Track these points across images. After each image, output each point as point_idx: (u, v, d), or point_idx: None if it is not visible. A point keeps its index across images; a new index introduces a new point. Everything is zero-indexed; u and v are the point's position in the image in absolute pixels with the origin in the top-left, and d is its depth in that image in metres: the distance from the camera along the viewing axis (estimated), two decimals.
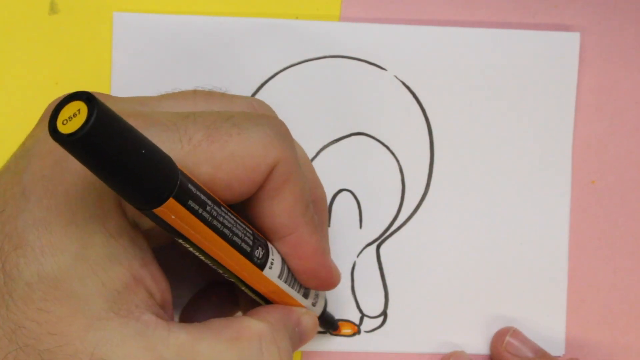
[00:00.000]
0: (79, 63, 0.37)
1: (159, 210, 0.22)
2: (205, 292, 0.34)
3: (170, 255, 0.30)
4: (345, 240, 0.38)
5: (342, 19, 0.38)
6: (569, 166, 0.38)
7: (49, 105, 0.26)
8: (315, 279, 0.30)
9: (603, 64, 0.39)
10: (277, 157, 0.26)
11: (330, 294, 0.37)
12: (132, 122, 0.22)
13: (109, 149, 0.20)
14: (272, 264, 0.28)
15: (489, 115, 0.38)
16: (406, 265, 0.38)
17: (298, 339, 0.30)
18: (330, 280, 0.31)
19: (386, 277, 0.38)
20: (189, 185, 0.23)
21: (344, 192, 0.38)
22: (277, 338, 0.27)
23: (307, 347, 0.37)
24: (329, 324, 0.36)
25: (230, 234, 0.26)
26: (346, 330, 0.37)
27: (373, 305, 0.38)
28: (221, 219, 0.25)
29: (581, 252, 0.38)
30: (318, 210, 0.31)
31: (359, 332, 0.38)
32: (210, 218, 0.24)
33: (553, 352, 0.37)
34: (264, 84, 0.37)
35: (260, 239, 0.28)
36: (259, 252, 0.27)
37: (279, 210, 0.27)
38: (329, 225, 0.38)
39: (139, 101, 0.27)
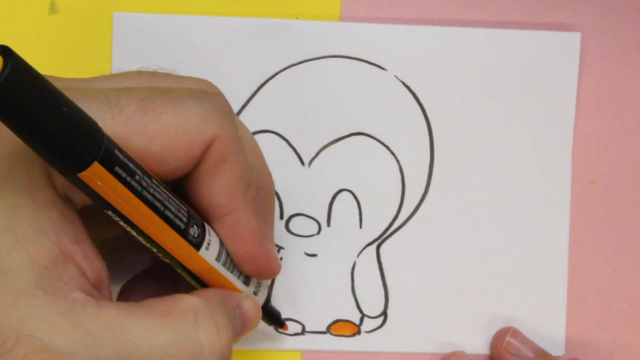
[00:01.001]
0: (79, 63, 0.37)
1: (84, 175, 0.22)
2: (143, 275, 0.33)
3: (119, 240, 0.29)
4: (345, 240, 0.38)
5: (342, 19, 0.38)
6: (569, 166, 0.38)
7: None
8: (253, 264, 0.29)
9: (603, 64, 0.39)
10: (214, 132, 0.26)
11: (330, 294, 0.37)
12: (65, 94, 0.21)
13: (26, 102, 0.20)
14: (209, 244, 0.27)
15: (489, 115, 0.38)
16: (406, 265, 0.38)
17: (240, 323, 0.29)
18: (268, 267, 0.30)
19: (386, 277, 0.38)
20: (116, 152, 0.23)
21: (344, 192, 0.38)
22: (213, 312, 0.26)
23: (308, 347, 0.37)
24: (273, 319, 0.35)
25: (162, 208, 0.25)
26: (288, 330, 0.37)
27: (373, 305, 0.38)
28: (152, 190, 0.24)
29: (581, 252, 0.38)
30: (263, 196, 0.30)
31: (359, 332, 0.38)
32: (139, 188, 0.24)
33: (553, 352, 0.37)
34: (264, 84, 0.37)
35: (196, 218, 0.27)
36: (194, 231, 0.26)
37: (216, 188, 0.27)
38: (328, 225, 0.38)
39: (80, 80, 0.27)
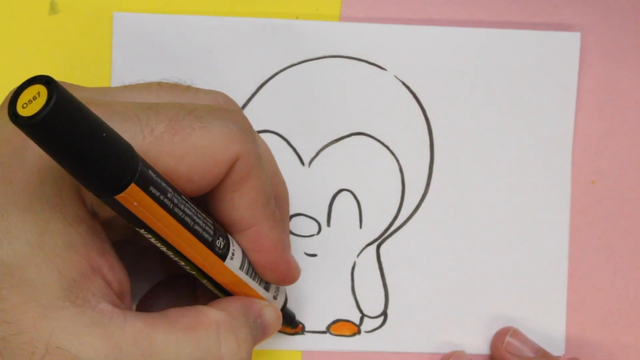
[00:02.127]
0: (79, 63, 0.37)
1: (121, 197, 0.22)
2: (163, 284, 0.33)
3: (130, 248, 0.30)
4: (345, 240, 0.38)
5: (342, 19, 0.38)
6: (569, 166, 0.38)
7: (9, 93, 0.26)
8: (275, 273, 0.30)
9: (603, 64, 0.39)
10: (238, 151, 0.26)
11: (330, 294, 0.37)
12: (94, 110, 0.22)
13: (68, 132, 0.20)
14: (233, 254, 0.28)
15: (489, 115, 0.38)
16: (406, 265, 0.38)
17: (260, 331, 0.30)
18: (289, 274, 0.31)
19: (386, 277, 0.38)
20: (150, 172, 0.23)
21: (344, 192, 0.38)
22: (235, 327, 0.27)
23: (308, 347, 0.37)
24: (288, 321, 0.35)
25: (192, 223, 0.25)
26: (288, 331, 0.37)
27: (373, 305, 0.38)
28: (182, 207, 0.25)
29: (581, 252, 0.38)
30: (279, 205, 0.31)
31: (359, 332, 0.38)
32: (171, 205, 0.24)
33: (553, 352, 0.37)
34: (264, 84, 0.37)
35: (220, 230, 0.28)
36: (220, 242, 0.27)
37: (239, 204, 0.27)
38: (328, 225, 0.38)
39: (101, 91, 0.27)
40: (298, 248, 0.37)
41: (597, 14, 0.39)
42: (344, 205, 0.38)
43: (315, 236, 0.38)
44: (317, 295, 0.37)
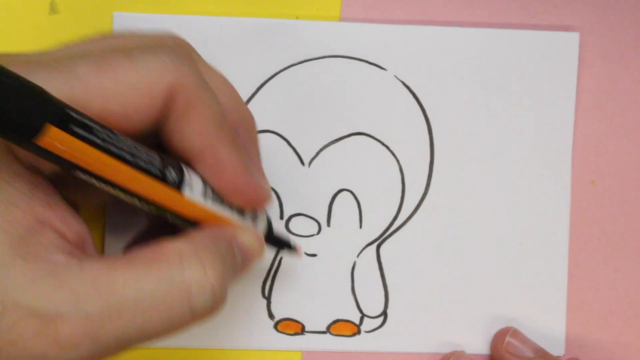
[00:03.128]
0: None
1: (42, 142, 0.22)
2: (145, 234, 0.33)
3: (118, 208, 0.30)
4: (345, 240, 0.38)
5: (342, 19, 0.38)
6: (569, 166, 0.38)
7: None
8: (240, 196, 0.29)
9: (603, 64, 0.39)
10: (172, 81, 0.26)
11: (330, 294, 0.37)
12: (16, 67, 0.22)
13: None
14: (190, 184, 0.27)
15: (489, 115, 0.38)
16: (406, 265, 0.38)
17: (240, 257, 0.29)
18: (256, 196, 0.29)
19: (386, 277, 0.38)
20: (70, 112, 0.23)
21: (344, 192, 0.38)
22: (199, 252, 0.26)
23: (308, 347, 0.37)
24: (281, 243, 0.34)
25: (131, 157, 0.25)
26: (298, 253, 0.36)
27: (373, 305, 0.38)
28: (116, 142, 0.25)
29: (581, 252, 0.38)
30: (245, 132, 0.30)
31: (359, 332, 0.38)
32: (102, 142, 0.24)
33: (553, 352, 0.37)
34: (264, 84, 0.37)
35: (171, 161, 0.27)
36: (171, 172, 0.27)
37: (188, 131, 0.27)
38: (328, 225, 0.38)
39: (37, 54, 0.27)
40: None
41: (597, 14, 0.39)
42: (344, 205, 0.38)
43: (315, 236, 0.38)
44: (317, 295, 0.37)
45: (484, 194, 0.38)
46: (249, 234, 0.29)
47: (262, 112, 0.37)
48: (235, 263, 0.28)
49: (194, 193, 0.28)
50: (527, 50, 0.38)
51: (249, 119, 0.31)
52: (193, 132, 0.27)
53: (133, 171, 0.25)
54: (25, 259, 0.24)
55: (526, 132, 0.38)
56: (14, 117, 0.22)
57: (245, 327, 0.37)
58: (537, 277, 0.38)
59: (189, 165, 0.28)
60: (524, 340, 0.37)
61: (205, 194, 0.28)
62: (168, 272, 0.25)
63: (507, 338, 0.37)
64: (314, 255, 0.37)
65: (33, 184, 0.25)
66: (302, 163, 0.37)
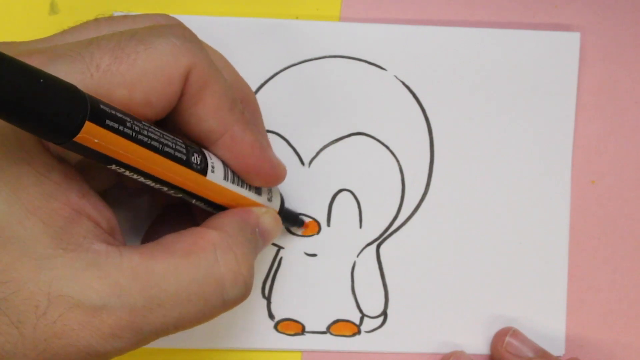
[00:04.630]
0: None
1: (80, 138, 0.22)
2: (162, 217, 0.33)
3: (119, 192, 0.30)
4: (345, 240, 0.38)
5: (342, 19, 0.38)
6: (569, 166, 0.38)
7: None
8: (259, 175, 0.30)
9: (603, 64, 0.39)
10: (188, 63, 0.26)
11: (330, 294, 0.37)
12: (35, 59, 0.22)
13: (2, 88, 0.20)
14: (213, 167, 0.28)
15: (489, 115, 0.38)
16: (406, 265, 0.38)
17: (261, 240, 0.30)
18: (274, 173, 0.30)
19: (386, 277, 0.38)
20: (102, 106, 0.23)
21: (344, 192, 0.38)
22: (232, 244, 0.27)
23: (308, 347, 0.37)
24: (291, 221, 0.36)
25: (160, 146, 0.25)
26: (309, 230, 0.37)
27: (373, 305, 0.38)
28: (146, 132, 0.25)
29: (581, 252, 0.38)
30: (249, 107, 0.31)
31: (359, 332, 0.38)
32: (134, 134, 0.24)
33: (553, 352, 0.37)
34: (264, 84, 0.37)
35: (194, 147, 0.28)
36: (195, 158, 0.27)
37: (205, 114, 0.27)
38: (328, 225, 0.38)
39: (43, 40, 0.27)
40: (298, 248, 0.37)
41: (597, 14, 0.39)
42: (344, 205, 0.38)
43: (315, 236, 0.38)
44: (317, 295, 0.37)
45: (484, 193, 0.38)
46: (269, 216, 0.31)
47: (262, 112, 0.37)
48: (258, 246, 0.30)
49: (217, 176, 0.28)
50: (528, 50, 0.38)
51: (250, 93, 0.32)
52: (209, 114, 0.27)
53: (162, 159, 0.26)
54: (67, 250, 0.24)
55: (526, 132, 0.38)
56: (52, 118, 0.22)
57: (245, 327, 0.37)
58: (537, 277, 0.38)
59: (206, 147, 0.29)
60: (524, 340, 0.37)
61: (226, 177, 0.29)
62: (205, 264, 0.26)
63: (507, 338, 0.37)
64: (314, 255, 0.38)
65: (66, 174, 0.25)
66: (302, 163, 0.37)
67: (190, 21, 0.37)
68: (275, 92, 0.37)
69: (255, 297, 0.37)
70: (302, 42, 0.37)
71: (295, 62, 0.37)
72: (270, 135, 0.37)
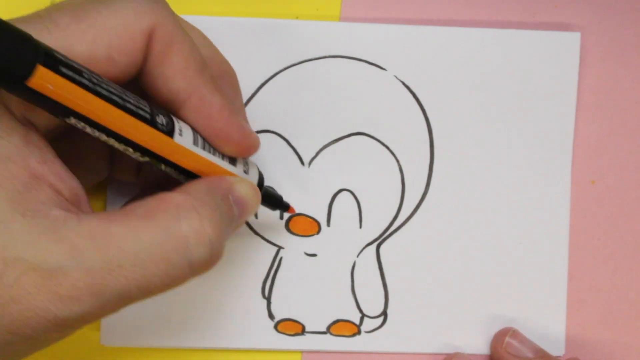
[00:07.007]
0: None
1: (33, 83, 0.22)
2: (141, 194, 0.33)
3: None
4: (345, 240, 0.38)
5: (342, 19, 0.38)
6: (569, 166, 0.38)
7: None
8: (230, 141, 0.29)
9: (603, 64, 0.39)
10: (151, 22, 0.26)
11: (330, 294, 0.37)
12: None
13: None
14: (180, 131, 0.27)
15: (489, 115, 0.38)
16: (406, 265, 0.38)
17: (237, 208, 0.29)
18: (245, 141, 0.30)
19: (386, 277, 0.38)
20: (57, 54, 0.23)
21: (344, 192, 0.38)
22: (196, 205, 0.26)
23: (308, 347, 0.37)
24: (272, 202, 0.34)
25: (121, 101, 0.25)
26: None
27: (373, 305, 0.38)
28: (105, 86, 0.25)
29: (581, 252, 0.38)
30: (228, 83, 0.31)
31: (359, 332, 0.38)
32: (91, 84, 0.24)
33: (553, 352, 0.37)
34: (264, 84, 0.37)
35: (159, 109, 0.27)
36: (161, 119, 0.27)
37: (171, 74, 0.27)
38: (328, 225, 0.38)
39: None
40: (298, 248, 0.37)
41: (597, 14, 0.39)
42: (344, 205, 0.38)
43: (315, 236, 0.38)
44: (317, 295, 0.37)
45: (484, 194, 0.38)
46: (244, 184, 0.29)
47: (262, 112, 0.37)
48: (232, 214, 0.28)
49: (185, 140, 0.27)
50: (528, 50, 0.38)
51: (230, 70, 0.32)
52: (175, 73, 0.27)
53: (123, 114, 0.25)
54: (24, 214, 0.24)
55: (526, 132, 0.38)
56: (3, 61, 0.22)
57: (245, 327, 0.37)
58: (537, 277, 0.38)
59: (174, 111, 0.28)
60: (524, 340, 0.37)
61: (196, 142, 0.28)
62: (165, 224, 0.25)
63: (507, 338, 0.37)
64: (314, 255, 0.38)
65: (27, 138, 0.25)
66: (302, 163, 0.37)
67: (191, 21, 0.37)
68: (275, 92, 0.37)
69: (255, 297, 0.37)
70: (302, 42, 0.37)
71: (295, 62, 0.37)
72: (270, 135, 0.37)
